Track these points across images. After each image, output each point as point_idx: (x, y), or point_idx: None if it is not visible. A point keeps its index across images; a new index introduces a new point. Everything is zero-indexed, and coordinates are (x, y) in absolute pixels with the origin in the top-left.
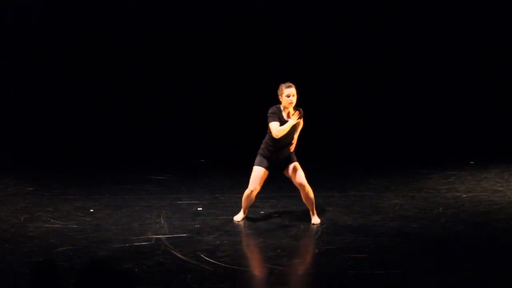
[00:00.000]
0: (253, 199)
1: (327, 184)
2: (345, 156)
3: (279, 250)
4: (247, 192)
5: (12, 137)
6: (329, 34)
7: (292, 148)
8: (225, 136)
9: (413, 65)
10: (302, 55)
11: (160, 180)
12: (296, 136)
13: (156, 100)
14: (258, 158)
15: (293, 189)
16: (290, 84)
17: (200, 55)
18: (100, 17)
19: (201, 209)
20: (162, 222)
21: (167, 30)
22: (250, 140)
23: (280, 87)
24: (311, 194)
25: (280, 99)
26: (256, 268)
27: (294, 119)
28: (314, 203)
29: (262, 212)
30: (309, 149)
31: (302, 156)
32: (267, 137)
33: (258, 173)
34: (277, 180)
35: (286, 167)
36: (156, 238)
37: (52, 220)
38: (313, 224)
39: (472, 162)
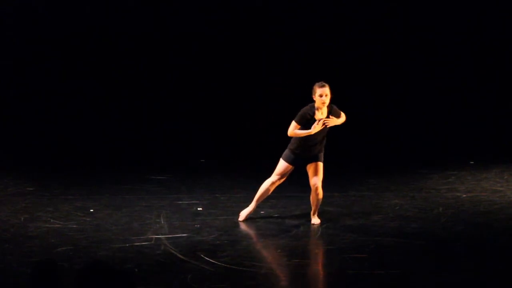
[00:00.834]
0: (270, 192)
1: (327, 184)
2: (345, 156)
3: (279, 250)
4: (267, 182)
5: (12, 137)
6: (329, 34)
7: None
8: (225, 136)
9: (413, 65)
10: (302, 55)
11: (160, 180)
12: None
13: (156, 100)
14: (286, 152)
15: (293, 189)
16: (324, 83)
17: (200, 55)
18: (100, 17)
19: (201, 209)
20: (162, 222)
21: (167, 30)
22: (250, 140)
23: (314, 86)
24: (320, 196)
25: (314, 98)
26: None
27: (317, 128)
28: (319, 205)
29: (262, 212)
30: None
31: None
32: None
33: (282, 167)
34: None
35: (310, 163)
36: (156, 238)
37: (52, 220)
38: (313, 224)
39: (472, 162)
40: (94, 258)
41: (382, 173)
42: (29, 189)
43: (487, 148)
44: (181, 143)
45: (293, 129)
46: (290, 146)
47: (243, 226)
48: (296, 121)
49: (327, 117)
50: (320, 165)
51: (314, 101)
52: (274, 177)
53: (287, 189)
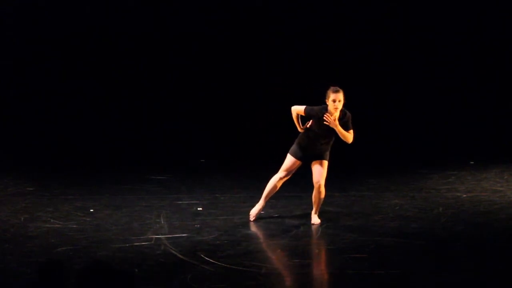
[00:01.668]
0: (277, 189)
1: (328, 183)
2: (345, 156)
3: (279, 250)
4: (274, 178)
5: (12, 137)
6: (329, 34)
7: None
8: (225, 136)
9: (413, 65)
10: (302, 55)
11: (160, 180)
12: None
13: (156, 100)
14: (293, 147)
15: (293, 189)
16: (338, 88)
17: (200, 55)
18: (100, 17)
19: (201, 209)
20: (162, 222)
21: (167, 30)
22: (250, 140)
23: (328, 90)
24: (322, 195)
25: (327, 102)
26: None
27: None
28: (320, 204)
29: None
30: None
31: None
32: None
33: (290, 162)
34: None
35: (315, 160)
36: (156, 238)
37: (52, 220)
38: (313, 224)
39: (472, 162)
40: (94, 258)
41: (382, 173)
42: (29, 189)
43: (487, 148)
44: (181, 143)
45: (297, 110)
46: (297, 140)
47: (243, 226)
48: (306, 109)
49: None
50: (325, 163)
51: (326, 105)
52: (281, 172)
53: (287, 189)
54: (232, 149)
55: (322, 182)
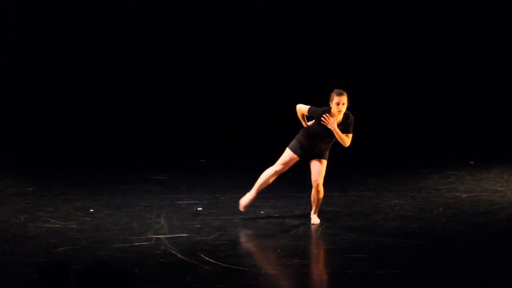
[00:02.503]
0: (270, 182)
1: (328, 183)
2: (345, 156)
3: (279, 250)
4: (269, 170)
5: (12, 137)
6: (329, 34)
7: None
8: (225, 136)
9: (413, 65)
10: (302, 55)
11: (160, 180)
12: (339, 137)
13: (156, 100)
14: (293, 142)
15: (293, 189)
16: (342, 91)
17: (200, 55)
18: (100, 17)
19: (201, 209)
20: (162, 222)
21: (167, 30)
22: (250, 140)
23: (332, 93)
24: (321, 195)
25: (330, 105)
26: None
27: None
28: (319, 204)
29: (262, 212)
30: None
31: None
32: (309, 124)
33: (287, 156)
34: (277, 180)
35: (313, 159)
36: (156, 238)
37: (52, 220)
38: (313, 224)
39: (472, 162)
40: (94, 258)
41: (382, 173)
42: (29, 189)
43: (487, 148)
44: (181, 143)
45: (302, 110)
46: (298, 135)
47: (243, 226)
48: (310, 109)
49: (339, 124)
50: (324, 162)
51: (330, 107)
52: (277, 166)
53: (286, 189)
54: (232, 149)
55: (321, 181)
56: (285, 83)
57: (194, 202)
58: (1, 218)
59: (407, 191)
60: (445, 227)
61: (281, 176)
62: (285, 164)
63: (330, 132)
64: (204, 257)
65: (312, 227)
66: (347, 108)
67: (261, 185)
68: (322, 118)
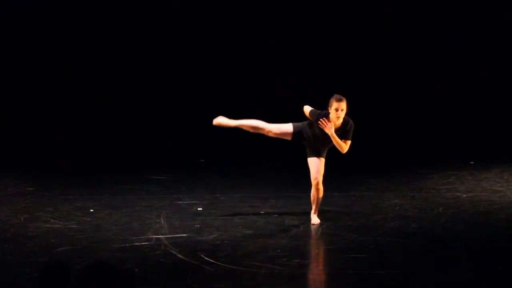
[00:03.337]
0: (251, 131)
1: (327, 184)
2: (345, 156)
3: (279, 250)
4: (261, 123)
5: (12, 137)
6: (329, 34)
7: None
8: (225, 136)
9: (413, 65)
10: (302, 55)
11: (160, 180)
12: (337, 144)
13: (156, 100)
14: (299, 124)
15: (293, 189)
16: (341, 97)
17: (200, 55)
18: (100, 17)
19: (201, 209)
20: (162, 222)
21: (167, 30)
22: (250, 140)
23: (331, 99)
24: (321, 194)
25: (329, 110)
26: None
27: (328, 130)
28: (319, 204)
29: (262, 212)
30: None
31: (303, 156)
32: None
33: (285, 129)
34: (277, 180)
35: (311, 157)
36: (156, 238)
37: (52, 220)
38: (313, 224)
39: (472, 162)
40: (94, 258)
41: (382, 173)
42: (29, 189)
43: (487, 148)
44: (181, 143)
45: (306, 112)
46: (306, 123)
47: (243, 226)
48: (311, 112)
49: (338, 129)
50: (322, 160)
51: (329, 112)
52: (270, 126)
53: (286, 189)
54: (232, 149)
55: (320, 179)
56: (285, 83)
57: (194, 202)
58: (1, 218)
59: (407, 191)
60: (445, 227)
61: (280, 176)
62: (278, 131)
63: (327, 136)
64: (204, 257)
65: (312, 227)
66: (348, 114)
67: (244, 126)
68: (319, 122)
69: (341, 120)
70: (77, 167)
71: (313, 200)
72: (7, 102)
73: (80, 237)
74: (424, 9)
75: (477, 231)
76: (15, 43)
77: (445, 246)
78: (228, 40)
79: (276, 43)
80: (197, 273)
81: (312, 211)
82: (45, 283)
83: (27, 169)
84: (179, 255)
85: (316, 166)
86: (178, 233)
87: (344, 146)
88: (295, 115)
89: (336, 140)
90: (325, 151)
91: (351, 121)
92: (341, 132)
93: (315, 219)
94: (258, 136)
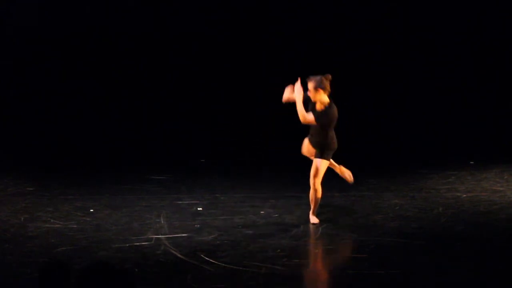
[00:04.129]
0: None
1: (327, 184)
2: (345, 156)
3: (279, 250)
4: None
5: (12, 137)
6: (329, 34)
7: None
8: (225, 136)
9: (413, 65)
10: (302, 55)
11: (160, 180)
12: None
13: (156, 100)
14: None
15: (293, 189)
16: (311, 77)
17: (200, 55)
18: (100, 17)
19: (201, 209)
20: (162, 222)
21: (167, 30)
22: (250, 140)
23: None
24: (318, 194)
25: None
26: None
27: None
28: (317, 204)
29: (262, 212)
30: None
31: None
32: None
33: (313, 163)
34: (277, 180)
35: (315, 157)
36: (156, 238)
37: (52, 220)
38: (312, 224)
39: (472, 162)
40: (94, 258)
41: (382, 173)
42: (29, 189)
43: (487, 148)
44: (181, 143)
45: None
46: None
47: (243, 226)
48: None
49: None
50: (322, 161)
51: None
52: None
53: (286, 189)
54: (232, 149)
55: (317, 180)
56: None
57: (194, 202)
58: (1, 218)
59: (407, 191)
60: (445, 227)
61: (280, 177)
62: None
63: (316, 130)
64: (204, 257)
65: (311, 227)
66: (348, 114)
67: (300, 110)
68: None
69: (318, 98)
70: (77, 167)
71: (311, 200)
72: (7, 102)
73: (80, 237)
74: (424, 9)
75: (477, 231)
76: (15, 43)
77: (445, 246)
78: (228, 40)
79: (276, 43)
80: (197, 273)
81: (311, 211)
82: (45, 283)
83: (27, 169)
84: (179, 255)
85: (314, 167)
86: (178, 233)
87: (304, 116)
88: (294, 115)
89: (298, 107)
90: (326, 151)
91: (331, 112)
92: (319, 113)
93: (313, 219)
94: (258, 136)
